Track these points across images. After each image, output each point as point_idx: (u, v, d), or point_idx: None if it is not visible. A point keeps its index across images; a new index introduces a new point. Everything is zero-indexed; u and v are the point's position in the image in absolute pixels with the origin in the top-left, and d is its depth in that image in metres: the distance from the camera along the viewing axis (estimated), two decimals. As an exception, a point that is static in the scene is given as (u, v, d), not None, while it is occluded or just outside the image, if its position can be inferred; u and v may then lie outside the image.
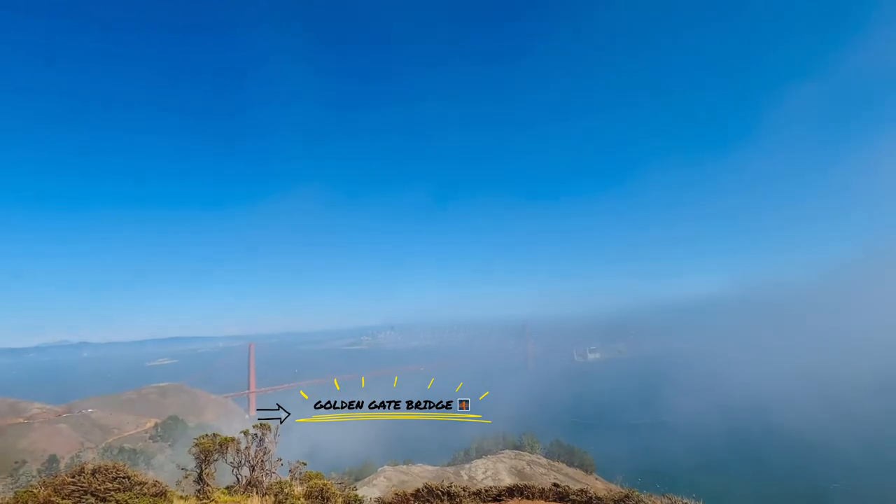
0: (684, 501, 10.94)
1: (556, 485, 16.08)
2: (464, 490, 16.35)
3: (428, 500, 15.23)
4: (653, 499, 11.89)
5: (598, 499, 14.31)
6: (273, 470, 14.17)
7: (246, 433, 13.48)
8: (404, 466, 77.52)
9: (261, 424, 13.74)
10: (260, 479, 13.83)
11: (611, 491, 14.76)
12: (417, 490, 15.89)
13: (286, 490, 11.92)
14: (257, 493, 13.27)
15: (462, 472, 74.24)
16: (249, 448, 14.38)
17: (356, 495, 13.77)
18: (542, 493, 15.67)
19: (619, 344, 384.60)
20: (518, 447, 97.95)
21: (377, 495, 16.88)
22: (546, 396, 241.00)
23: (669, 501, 11.06)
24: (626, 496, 13.09)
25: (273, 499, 11.92)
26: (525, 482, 16.80)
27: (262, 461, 14.26)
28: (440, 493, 15.16)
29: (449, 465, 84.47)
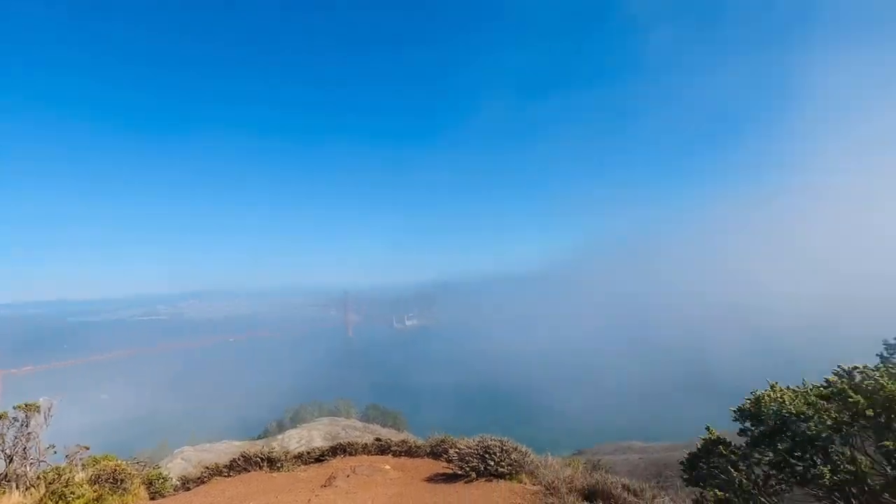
0: (493, 438, 12.53)
1: (377, 439, 16.80)
2: (285, 454, 15.95)
3: (245, 469, 14.43)
4: (466, 440, 13.29)
5: (418, 446, 15.46)
6: (42, 458, 11.63)
7: (2, 416, 10.70)
8: (207, 445, 71.22)
9: (25, 405, 11.05)
10: (22, 470, 11.22)
11: (429, 439, 16.07)
12: (232, 460, 14.89)
13: (64, 477, 9.90)
14: (18, 486, 10.75)
15: (274, 444, 71.63)
16: (3, 435, 11.50)
17: (159, 473, 12.21)
18: (365, 449, 16.24)
19: (437, 311, 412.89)
20: (334, 414, 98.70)
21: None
22: (364, 362, 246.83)
23: (480, 439, 12.53)
24: (442, 440, 14.40)
25: (45, 489, 9.78)
26: (346, 441, 17.16)
27: (24, 449, 11.58)
28: (259, 459, 14.49)
29: (259, 437, 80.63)
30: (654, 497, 10.10)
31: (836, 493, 3.97)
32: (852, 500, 3.91)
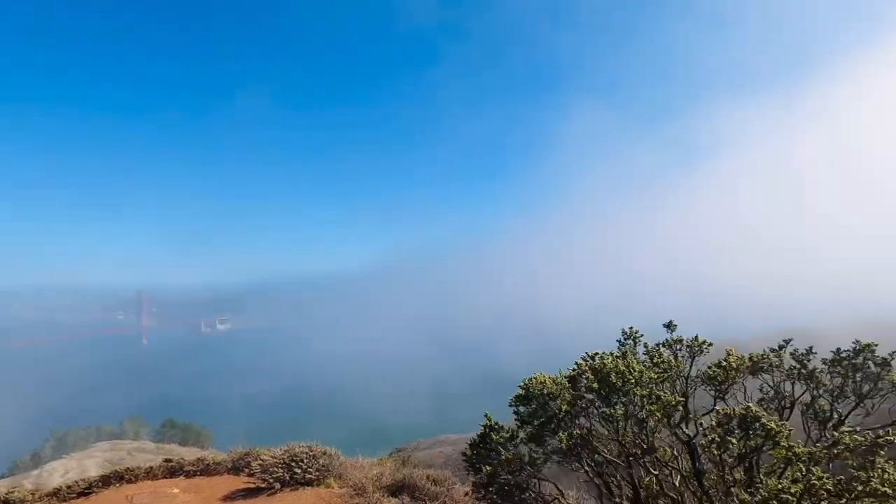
0: (301, 445, 12.10)
1: (167, 460, 14.72)
2: (31, 494, 12.91)
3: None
4: (272, 450, 12.60)
5: (217, 463, 14.02)
6: None
7: None
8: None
9: None
10: None
11: (231, 453, 14.69)
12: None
13: None
14: None
15: (26, 483, 56.67)
16: None
17: None
18: (150, 473, 14.08)
19: (251, 314, 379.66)
20: (119, 436, 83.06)
21: None
22: (161, 373, 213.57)
23: (287, 448, 12.01)
24: (247, 453, 13.36)
25: None
26: (124, 468, 14.60)
27: None
28: (-9, 504, 11.40)
29: (4, 476, 63.19)
30: (452, 484, 11.04)
31: (573, 454, 4.96)
32: (584, 459, 4.94)
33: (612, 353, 5.50)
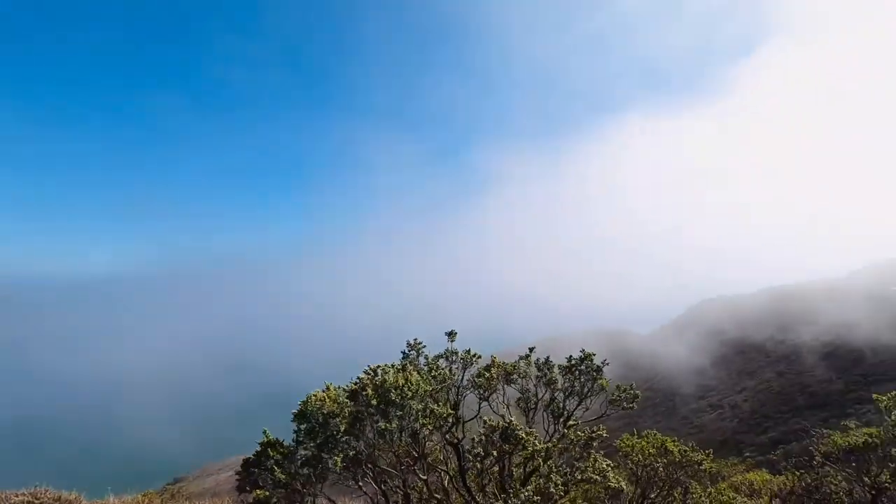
0: (21, 492, 9.48)
1: None
2: None
3: None
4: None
5: None
6: None
7: None
8: None
9: None
10: None
11: None
12: None
13: None
14: None
15: None
16: None
17: None
18: None
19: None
20: None
21: None
22: None
23: (4, 496, 9.30)
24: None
25: None
26: None
27: None
28: None
29: None
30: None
31: (350, 472, 4.95)
32: (360, 475, 4.97)
33: (394, 366, 5.68)
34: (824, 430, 9.65)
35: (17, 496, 9.81)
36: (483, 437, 4.66)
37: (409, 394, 4.96)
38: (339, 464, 4.68)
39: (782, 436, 43.25)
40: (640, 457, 5.85)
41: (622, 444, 6.35)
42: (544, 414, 5.74)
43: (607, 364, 5.85)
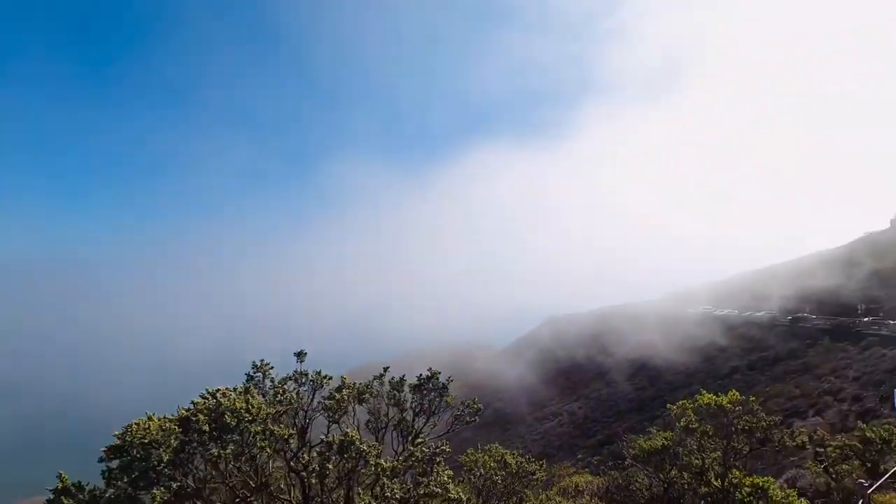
0: None
1: None
2: None
3: None
4: None
5: None
6: None
7: None
8: None
9: None
10: None
11: None
12: None
13: None
14: None
15: None
16: None
17: None
18: None
19: None
20: None
21: None
22: None
23: None
24: None
25: None
26: None
27: None
28: None
29: None
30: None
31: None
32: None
33: (235, 389, 5.26)
34: (632, 436, 11.43)
35: None
36: (317, 455, 4.55)
37: (249, 417, 4.63)
38: (157, 499, 4.11)
39: (607, 438, 49.61)
40: (482, 470, 6.23)
41: (465, 459, 6.70)
42: (393, 433, 5.81)
43: (452, 381, 6.16)
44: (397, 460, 4.90)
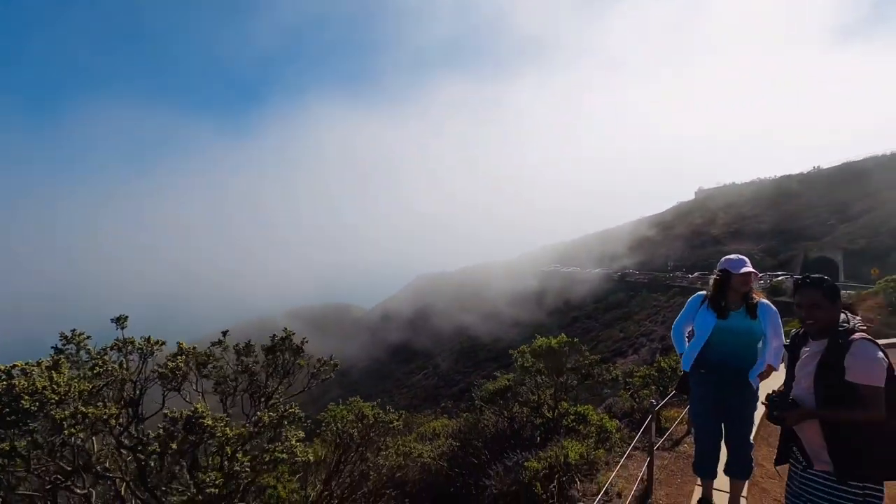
0: None
1: None
2: None
3: None
4: None
5: None
6: None
7: None
8: None
9: None
10: None
11: None
12: None
13: None
14: None
15: None
16: None
17: None
18: None
19: None
20: None
21: None
22: None
23: None
24: None
25: None
26: None
27: None
28: None
29: None
30: None
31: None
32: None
33: (40, 364, 4.44)
34: (482, 381, 12.58)
35: None
36: (161, 431, 4.13)
37: (54, 398, 3.97)
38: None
39: (467, 386, 53.96)
40: (339, 425, 6.27)
41: (324, 416, 6.69)
42: (243, 396, 5.51)
43: (307, 342, 6.02)
44: (245, 427, 4.66)
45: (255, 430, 4.83)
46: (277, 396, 5.84)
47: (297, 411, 4.74)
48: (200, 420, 4.60)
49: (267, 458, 4.36)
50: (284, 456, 4.47)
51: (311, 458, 4.88)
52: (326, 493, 6.55)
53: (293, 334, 5.74)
